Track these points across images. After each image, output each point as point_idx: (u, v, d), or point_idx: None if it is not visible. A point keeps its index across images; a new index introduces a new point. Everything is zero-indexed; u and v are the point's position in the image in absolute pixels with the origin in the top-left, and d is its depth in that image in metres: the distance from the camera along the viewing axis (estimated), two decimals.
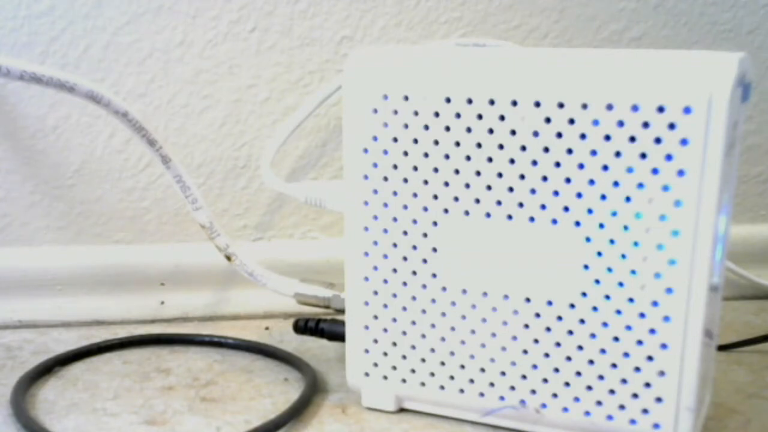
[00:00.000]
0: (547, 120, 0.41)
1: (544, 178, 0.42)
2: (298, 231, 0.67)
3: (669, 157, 0.39)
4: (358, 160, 0.46)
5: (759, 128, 0.70)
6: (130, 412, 0.49)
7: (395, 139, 0.45)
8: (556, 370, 0.44)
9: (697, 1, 0.67)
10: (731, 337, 0.59)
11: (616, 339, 0.42)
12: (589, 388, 0.44)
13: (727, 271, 0.68)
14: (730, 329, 0.63)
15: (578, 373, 0.44)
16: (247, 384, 0.53)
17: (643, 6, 0.67)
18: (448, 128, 0.44)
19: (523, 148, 0.42)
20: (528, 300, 0.44)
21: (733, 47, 0.68)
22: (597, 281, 0.42)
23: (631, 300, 0.42)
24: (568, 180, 0.41)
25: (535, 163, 0.42)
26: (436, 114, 0.44)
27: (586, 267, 0.42)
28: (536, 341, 0.44)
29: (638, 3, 0.67)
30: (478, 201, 0.44)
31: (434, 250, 0.46)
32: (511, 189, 0.43)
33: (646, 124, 0.39)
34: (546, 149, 0.42)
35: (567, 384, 0.44)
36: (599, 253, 0.42)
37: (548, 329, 0.44)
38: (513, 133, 0.42)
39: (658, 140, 0.39)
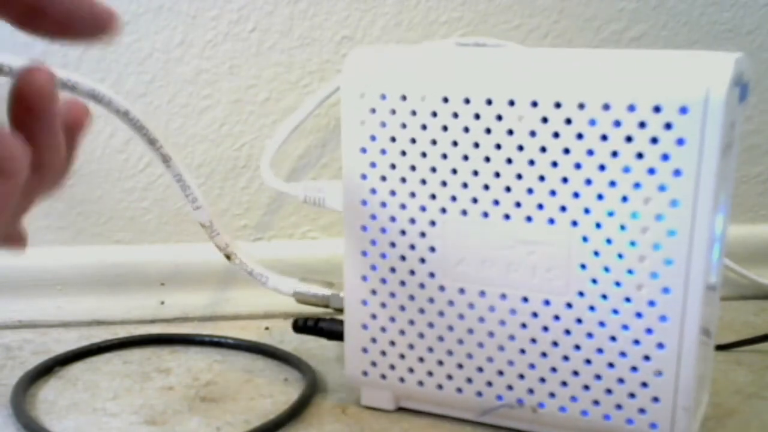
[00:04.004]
0: (544, 120, 0.41)
1: (542, 178, 0.42)
2: (297, 231, 0.67)
3: (665, 157, 0.39)
4: (356, 159, 0.46)
5: (759, 128, 0.70)
6: (130, 412, 0.49)
7: (393, 139, 0.45)
8: (554, 369, 0.44)
9: (697, 1, 0.67)
10: (731, 337, 0.59)
11: (613, 338, 0.43)
12: (586, 387, 0.44)
13: (728, 271, 0.68)
14: (730, 329, 0.62)
15: (575, 373, 0.44)
16: (247, 384, 0.53)
17: (643, 6, 0.67)
18: (445, 128, 0.44)
19: (521, 148, 0.42)
20: (525, 299, 0.44)
21: (733, 47, 0.68)
22: (594, 281, 0.42)
23: (627, 299, 0.42)
24: (565, 180, 0.42)
25: (532, 162, 0.42)
26: (434, 114, 0.44)
27: (583, 266, 0.42)
28: (533, 341, 0.44)
29: (638, 3, 0.67)
30: (475, 200, 0.44)
31: (432, 249, 0.46)
32: (508, 189, 0.43)
33: (642, 124, 0.39)
34: (543, 149, 0.42)
35: (564, 383, 0.44)
36: (596, 253, 0.42)
37: (545, 329, 0.44)
38: (510, 132, 0.42)
39: (654, 140, 0.39)
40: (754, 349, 0.59)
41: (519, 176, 0.42)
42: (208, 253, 0.60)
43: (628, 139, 0.40)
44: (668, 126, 0.39)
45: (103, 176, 0.64)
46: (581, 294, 0.43)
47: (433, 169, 0.44)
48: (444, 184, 0.44)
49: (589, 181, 0.41)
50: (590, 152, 0.41)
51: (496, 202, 0.43)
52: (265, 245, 0.67)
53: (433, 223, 0.45)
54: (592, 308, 0.43)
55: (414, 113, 0.44)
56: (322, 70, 0.64)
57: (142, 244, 0.65)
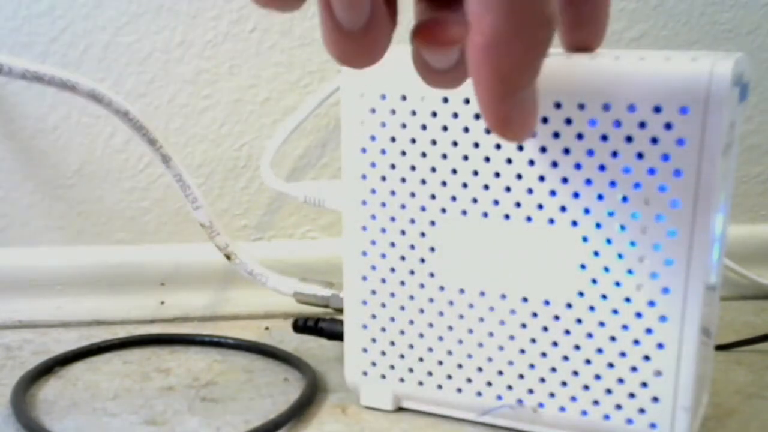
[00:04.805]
0: (544, 120, 0.41)
1: (541, 178, 0.42)
2: (298, 231, 0.67)
3: (665, 158, 0.39)
4: (356, 159, 0.46)
5: (759, 128, 0.70)
6: (130, 412, 0.49)
7: (393, 139, 0.45)
8: (553, 369, 0.44)
9: (697, 1, 0.67)
10: (731, 337, 0.59)
11: (613, 339, 0.43)
12: (586, 387, 0.44)
13: (728, 271, 0.68)
14: (730, 329, 0.62)
15: (575, 373, 0.44)
16: (247, 384, 0.53)
17: (643, 6, 0.67)
18: (445, 128, 0.44)
19: (520, 148, 0.42)
20: (525, 299, 0.44)
21: (733, 47, 0.68)
22: (594, 281, 0.42)
23: (627, 300, 0.42)
24: (564, 180, 0.42)
25: (532, 163, 0.42)
26: (434, 114, 0.44)
27: (582, 267, 0.42)
28: (533, 341, 0.44)
29: (638, 3, 0.67)
30: (475, 201, 0.44)
31: (432, 249, 0.46)
32: (508, 189, 0.43)
33: (642, 125, 0.39)
34: (543, 149, 0.42)
35: (564, 383, 0.44)
36: (596, 253, 0.42)
37: (545, 329, 0.44)
38: None
39: (654, 140, 0.39)
40: (754, 349, 0.59)
41: (519, 176, 0.42)
42: (208, 253, 0.61)
43: (628, 139, 0.40)
44: (668, 126, 0.39)
45: (103, 176, 0.64)
46: (581, 294, 0.43)
47: (433, 169, 0.44)
48: (444, 184, 0.44)
49: (589, 182, 0.41)
50: (590, 152, 0.41)
51: (496, 202, 0.43)
52: (265, 245, 0.67)
53: (433, 223, 0.45)
54: (591, 308, 0.43)
55: (414, 113, 0.44)
56: (322, 70, 0.64)
57: (142, 244, 0.65)
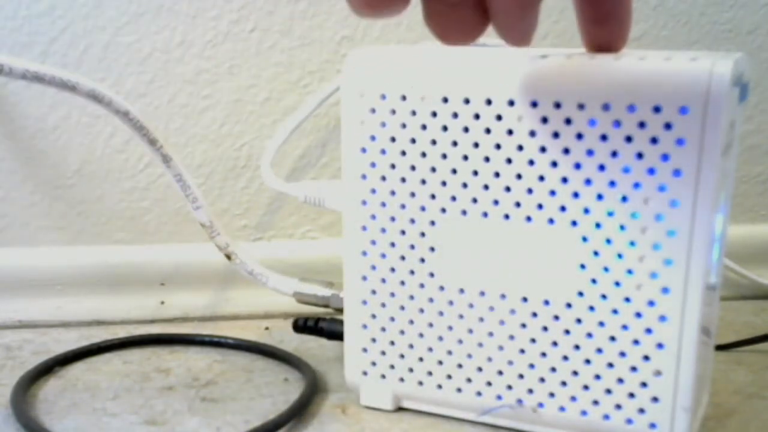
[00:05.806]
0: (544, 120, 0.41)
1: (541, 178, 0.42)
2: (298, 231, 0.67)
3: (665, 158, 0.39)
4: (356, 159, 0.46)
5: (759, 128, 0.70)
6: (130, 412, 0.49)
7: (393, 139, 0.45)
8: (553, 369, 0.44)
9: (697, 1, 0.67)
10: (731, 337, 0.59)
11: (613, 338, 0.43)
12: (586, 387, 0.44)
13: (728, 271, 0.68)
14: (730, 329, 0.62)
15: (575, 373, 0.44)
16: (247, 384, 0.53)
17: (643, 6, 0.67)
18: (445, 128, 0.44)
19: (520, 148, 0.42)
20: (525, 299, 0.44)
21: (733, 47, 0.68)
22: (593, 281, 0.42)
23: (627, 299, 0.42)
24: (564, 180, 0.42)
25: (532, 162, 0.42)
26: (434, 114, 0.44)
27: (582, 266, 0.42)
28: (533, 340, 0.44)
29: (638, 3, 0.67)
30: (475, 200, 0.44)
31: (432, 249, 0.46)
32: (508, 189, 0.43)
33: (642, 125, 0.39)
34: (543, 149, 0.42)
35: (564, 383, 0.44)
36: (596, 253, 0.42)
37: (545, 328, 0.44)
38: (510, 132, 0.42)
39: (654, 140, 0.39)
40: (754, 349, 0.59)
41: (519, 176, 0.42)
42: (208, 253, 0.61)
43: (628, 139, 0.40)
44: (668, 126, 0.39)
45: (103, 176, 0.64)
46: (581, 294, 0.43)
47: (433, 169, 0.44)
48: (444, 184, 0.44)
49: (588, 181, 0.41)
50: (590, 152, 0.41)
51: (496, 202, 0.43)
52: (265, 245, 0.67)
53: (432, 223, 0.45)
54: (591, 308, 0.43)
55: (414, 113, 0.44)
56: (322, 70, 0.64)
57: (142, 244, 0.65)
